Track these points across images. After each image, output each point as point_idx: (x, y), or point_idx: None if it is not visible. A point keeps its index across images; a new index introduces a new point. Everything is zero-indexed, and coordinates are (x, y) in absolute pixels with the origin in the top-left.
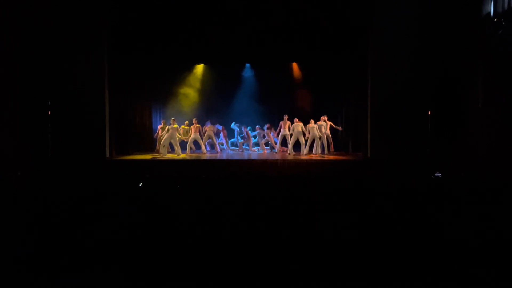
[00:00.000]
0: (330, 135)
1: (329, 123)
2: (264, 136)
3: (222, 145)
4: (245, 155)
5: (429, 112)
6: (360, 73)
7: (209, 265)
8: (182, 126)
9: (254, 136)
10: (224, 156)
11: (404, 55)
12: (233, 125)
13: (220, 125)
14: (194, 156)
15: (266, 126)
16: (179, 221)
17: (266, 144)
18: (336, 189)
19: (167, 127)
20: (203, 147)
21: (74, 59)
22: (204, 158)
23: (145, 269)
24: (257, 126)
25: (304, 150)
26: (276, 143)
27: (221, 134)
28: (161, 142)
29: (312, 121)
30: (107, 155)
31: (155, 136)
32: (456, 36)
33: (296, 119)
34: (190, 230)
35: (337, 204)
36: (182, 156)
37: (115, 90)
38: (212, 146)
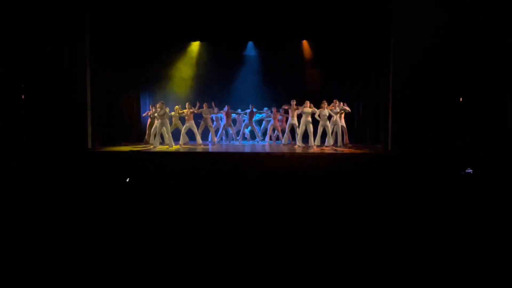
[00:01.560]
0: (344, 124)
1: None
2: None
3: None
4: (247, 148)
5: (460, 99)
6: (381, 53)
7: (206, 272)
8: (172, 113)
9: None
10: (223, 149)
11: (432, 33)
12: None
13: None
14: (188, 147)
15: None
16: (172, 223)
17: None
18: (351, 187)
19: (155, 113)
20: (198, 137)
21: (53, 42)
22: (200, 150)
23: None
24: (265, 109)
25: (314, 141)
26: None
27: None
28: (151, 132)
29: (325, 105)
30: (89, 146)
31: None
32: (491, 10)
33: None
34: (185, 233)
35: (352, 206)
36: (175, 147)
37: (98, 74)
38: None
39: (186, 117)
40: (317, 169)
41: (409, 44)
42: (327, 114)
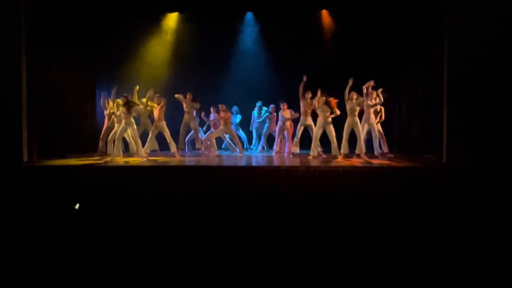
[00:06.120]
0: (381, 129)
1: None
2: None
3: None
4: (243, 160)
5: None
6: (432, 30)
7: None
8: (140, 107)
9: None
10: (211, 161)
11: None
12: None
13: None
14: (160, 159)
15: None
16: (140, 266)
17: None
18: (394, 216)
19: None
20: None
21: None
22: (177, 163)
23: None
24: (271, 106)
25: (342, 149)
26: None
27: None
28: (109, 138)
29: (354, 95)
30: (25, 159)
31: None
32: None
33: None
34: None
35: (395, 242)
36: (139, 159)
37: (38, 59)
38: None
39: (157, 115)
40: (344, 190)
41: (470, 22)
42: (357, 109)
